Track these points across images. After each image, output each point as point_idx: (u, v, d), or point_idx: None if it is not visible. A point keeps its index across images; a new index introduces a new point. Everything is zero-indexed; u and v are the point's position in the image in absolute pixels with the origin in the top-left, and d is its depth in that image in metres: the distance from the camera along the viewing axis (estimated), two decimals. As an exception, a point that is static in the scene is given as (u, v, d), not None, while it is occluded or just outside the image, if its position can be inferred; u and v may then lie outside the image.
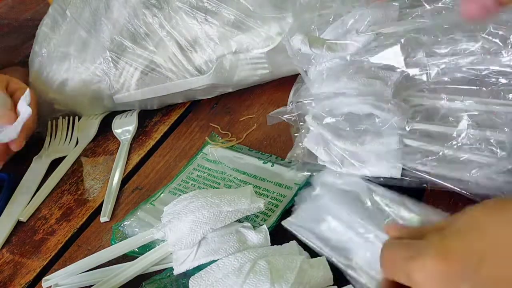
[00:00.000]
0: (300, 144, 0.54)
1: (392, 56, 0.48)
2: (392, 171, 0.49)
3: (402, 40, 0.48)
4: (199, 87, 0.69)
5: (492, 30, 0.46)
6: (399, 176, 0.49)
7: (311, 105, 0.53)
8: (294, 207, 0.52)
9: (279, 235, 0.49)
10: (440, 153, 0.47)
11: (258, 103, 0.69)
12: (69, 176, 0.67)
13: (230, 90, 0.71)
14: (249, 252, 0.46)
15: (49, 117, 0.74)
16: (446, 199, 0.48)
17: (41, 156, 0.70)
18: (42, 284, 0.51)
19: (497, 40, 0.46)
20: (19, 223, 0.62)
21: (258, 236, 0.48)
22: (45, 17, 0.75)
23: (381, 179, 0.50)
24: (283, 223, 0.50)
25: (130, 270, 0.50)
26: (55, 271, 0.52)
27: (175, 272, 0.49)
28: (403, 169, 0.49)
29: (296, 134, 0.56)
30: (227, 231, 0.49)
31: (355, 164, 0.50)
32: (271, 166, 0.58)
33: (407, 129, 0.48)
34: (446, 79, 0.47)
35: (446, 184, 0.47)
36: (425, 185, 0.49)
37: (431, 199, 0.49)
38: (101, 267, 0.51)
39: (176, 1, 0.67)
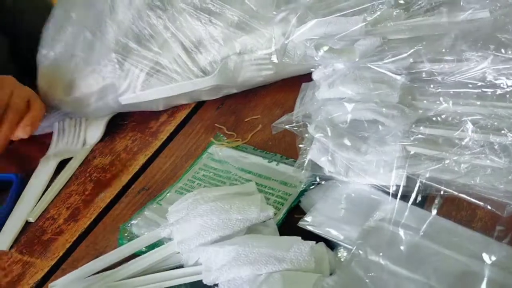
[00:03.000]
0: (305, 156, 0.53)
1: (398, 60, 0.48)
2: (396, 179, 0.48)
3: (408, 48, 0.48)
4: (204, 88, 0.69)
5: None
6: (403, 184, 0.49)
7: (315, 114, 0.53)
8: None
9: (285, 234, 0.50)
10: (444, 159, 0.46)
11: (262, 104, 0.70)
12: (76, 176, 0.68)
13: (235, 91, 0.72)
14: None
15: (56, 118, 0.75)
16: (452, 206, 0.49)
17: (49, 157, 0.71)
18: None
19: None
20: (27, 223, 0.63)
21: (268, 231, 0.49)
22: (49, 19, 0.75)
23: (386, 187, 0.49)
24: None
25: (134, 266, 0.51)
26: (63, 271, 0.53)
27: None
28: (407, 176, 0.49)
29: (301, 145, 0.55)
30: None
31: (360, 174, 0.50)
32: (276, 165, 0.59)
33: (411, 138, 0.47)
34: (450, 82, 0.47)
35: (450, 190, 0.47)
36: (429, 191, 0.48)
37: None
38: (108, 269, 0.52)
39: (180, 3, 0.68)
